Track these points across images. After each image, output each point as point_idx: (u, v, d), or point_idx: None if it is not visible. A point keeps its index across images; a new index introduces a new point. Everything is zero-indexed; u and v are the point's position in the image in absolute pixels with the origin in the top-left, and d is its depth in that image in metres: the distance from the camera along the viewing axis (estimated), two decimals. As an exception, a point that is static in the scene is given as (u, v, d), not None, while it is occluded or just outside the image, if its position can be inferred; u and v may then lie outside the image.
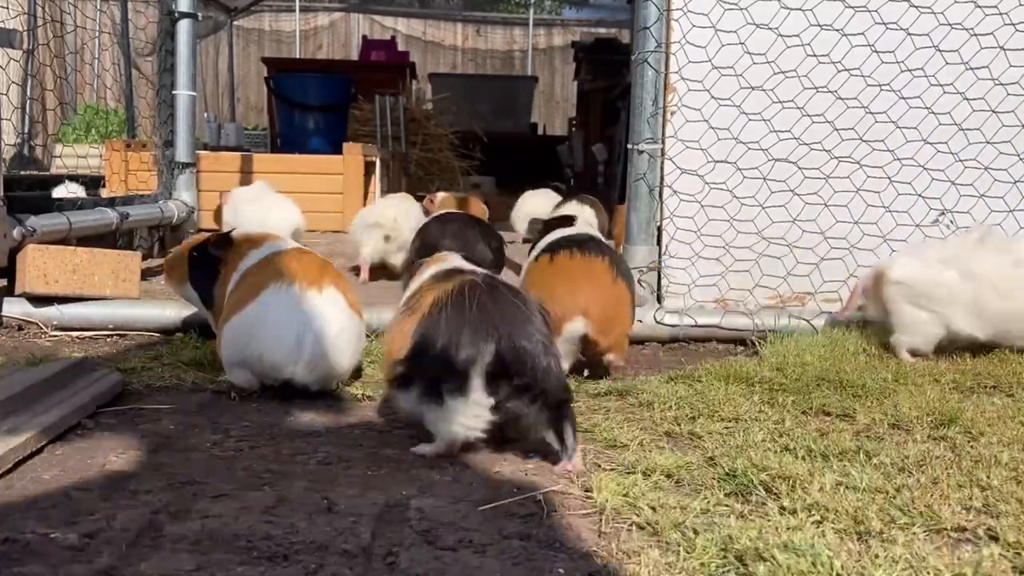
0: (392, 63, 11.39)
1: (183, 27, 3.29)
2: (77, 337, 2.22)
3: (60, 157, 14.19)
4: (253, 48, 18.91)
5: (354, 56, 12.64)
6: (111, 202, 2.99)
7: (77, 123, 15.62)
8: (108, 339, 2.22)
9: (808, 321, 2.27)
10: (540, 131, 12.85)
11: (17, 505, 1.23)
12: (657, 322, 2.26)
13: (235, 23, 17.93)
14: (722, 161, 2.24)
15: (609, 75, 10.01)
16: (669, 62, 2.20)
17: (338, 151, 6.34)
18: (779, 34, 2.23)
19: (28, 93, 14.64)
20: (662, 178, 2.24)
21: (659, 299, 2.29)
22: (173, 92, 3.32)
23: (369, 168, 5.37)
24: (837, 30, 2.23)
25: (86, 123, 15.47)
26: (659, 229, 2.27)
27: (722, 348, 2.30)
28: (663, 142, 2.22)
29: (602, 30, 16.91)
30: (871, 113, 2.26)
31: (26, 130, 14.75)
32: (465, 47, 18.97)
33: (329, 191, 4.96)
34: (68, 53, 16.58)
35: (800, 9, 2.22)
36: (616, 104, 6.96)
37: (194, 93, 3.36)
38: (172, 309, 2.25)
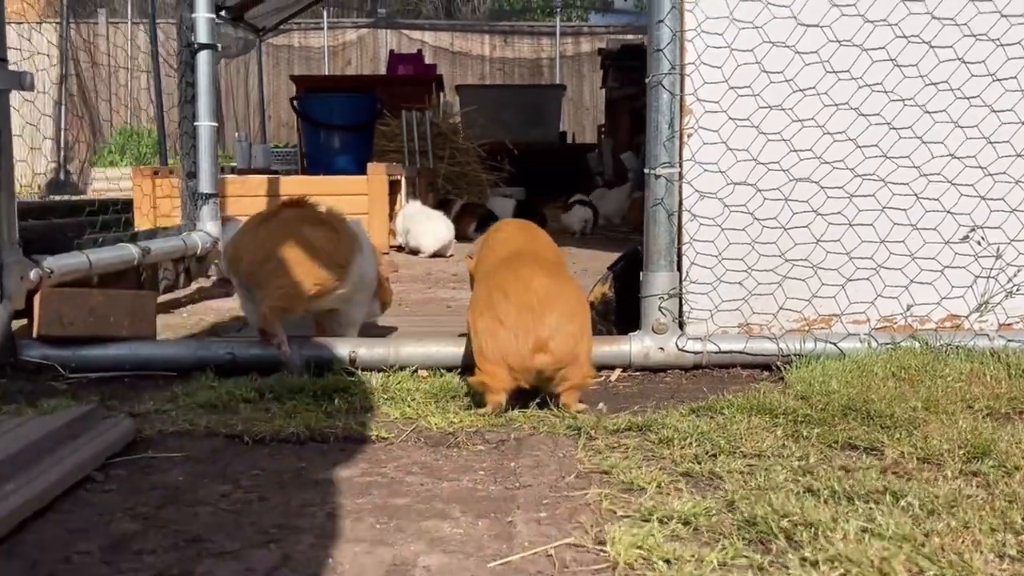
0: (419, 77, 11.40)
1: (203, 59, 3.30)
2: (94, 379, 2.22)
3: (96, 181, 14.44)
4: (283, 65, 19.12)
5: (382, 70, 12.67)
6: (134, 237, 2.99)
7: (112, 146, 15.86)
8: (125, 380, 2.22)
9: (835, 344, 2.21)
10: (570, 139, 12.79)
11: (17, 569, 1.21)
12: (680, 349, 2.21)
13: (266, 41, 18.08)
14: (742, 183, 2.19)
15: (636, 82, 9.96)
16: (684, 84, 2.15)
17: (364, 169, 6.38)
18: (796, 51, 2.17)
19: (62, 119, 14.92)
20: (680, 202, 2.19)
21: (681, 326, 2.24)
22: (195, 124, 3.33)
23: (394, 187, 5.37)
24: (856, 45, 2.17)
25: (120, 146, 15.70)
26: (679, 254, 2.22)
27: (746, 374, 2.24)
28: (680, 166, 2.17)
29: (630, 36, 16.85)
30: (895, 129, 2.19)
31: (61, 156, 15.01)
32: (493, 57, 19.01)
33: (354, 212, 4.96)
34: (102, 77, 16.86)
35: (818, 25, 2.16)
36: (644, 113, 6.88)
37: (215, 124, 3.36)
38: (188, 348, 2.24)
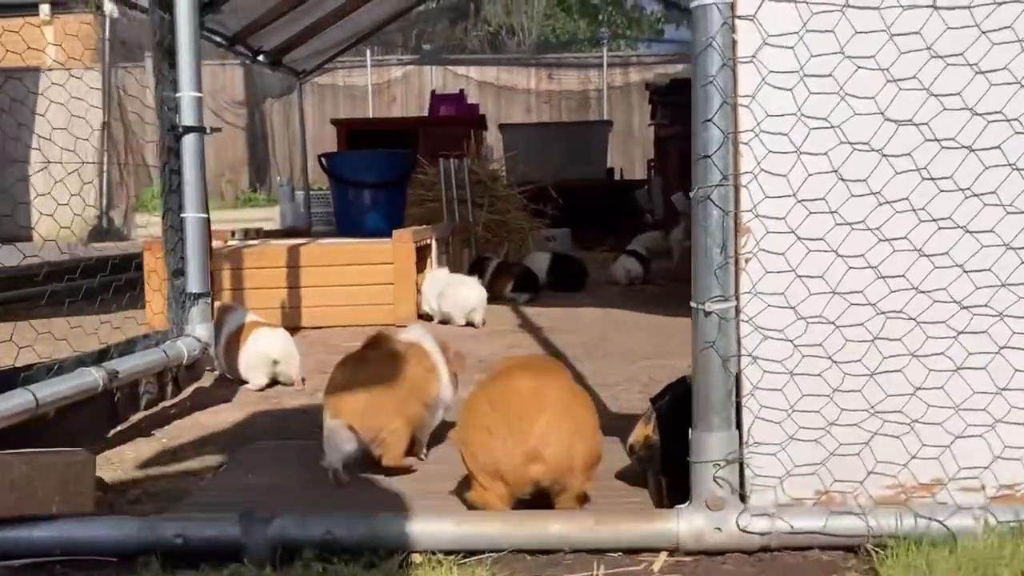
0: (461, 118, 11.07)
1: (189, 143, 2.93)
2: (19, 567, 1.82)
3: (139, 227, 14.32)
4: (328, 105, 18.99)
5: (427, 106, 12.34)
6: (103, 354, 2.61)
7: (156, 191, 15.78)
8: (56, 568, 1.82)
9: (941, 522, 1.72)
10: (619, 173, 12.33)
11: None
12: (741, 529, 1.74)
13: (312, 81, 17.93)
14: (816, 319, 1.72)
15: (685, 120, 9.46)
16: (739, 197, 1.70)
17: (397, 225, 6.00)
18: (883, 155, 1.71)
19: (104, 166, 14.88)
20: (739, 344, 1.73)
21: (742, 498, 1.77)
22: (181, 215, 2.96)
23: (423, 252, 4.98)
24: (965, 147, 1.69)
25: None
26: (738, 407, 1.76)
27: (827, 559, 1.76)
28: (737, 299, 1.71)
29: (680, 66, 16.39)
30: (1012, 249, 1.72)
31: (104, 202, 14.96)
32: (539, 90, 18.66)
33: (379, 282, 4.57)
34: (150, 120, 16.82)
35: (911, 122, 1.70)
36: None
37: (204, 215, 2.98)
38: (131, 528, 1.83)
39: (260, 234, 5.85)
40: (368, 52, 18.20)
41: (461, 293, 4.59)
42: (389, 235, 5.45)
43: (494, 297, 5.28)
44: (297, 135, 14.29)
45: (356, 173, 5.77)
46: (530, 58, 18.95)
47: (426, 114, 11.83)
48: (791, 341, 1.73)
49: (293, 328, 4.56)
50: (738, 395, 1.75)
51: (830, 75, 1.69)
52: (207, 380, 3.41)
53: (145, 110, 17.80)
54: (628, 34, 22.27)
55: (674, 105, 10.32)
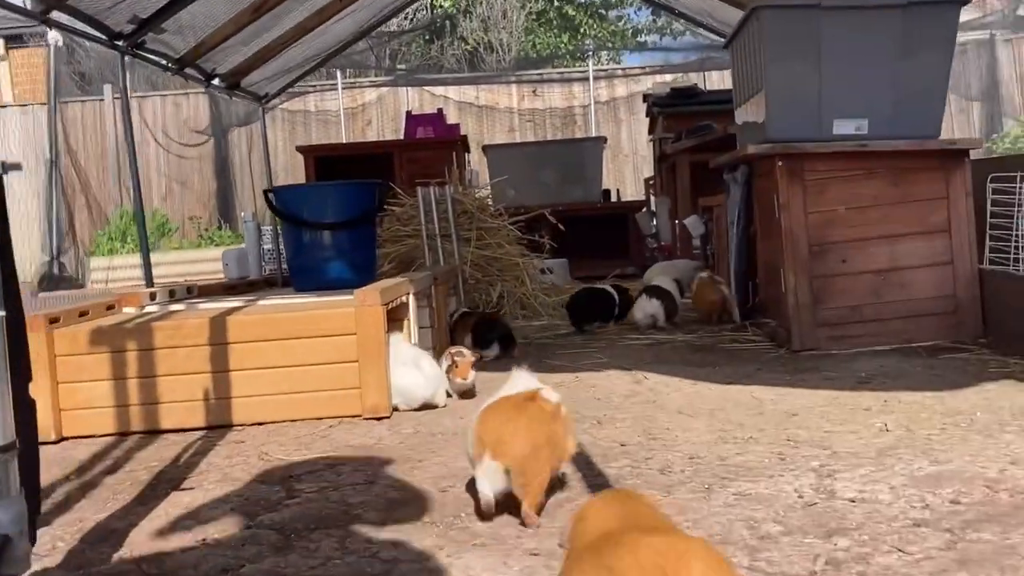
0: (441, 139, 9.98)
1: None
2: None
3: (95, 271, 13.09)
4: (300, 131, 17.98)
5: (402, 131, 11.24)
6: None
7: (111, 232, 14.56)
8: None
9: None
10: (613, 196, 11.24)
11: None
12: None
13: (282, 107, 16.88)
14: None
15: (696, 131, 8.39)
16: None
17: (367, 273, 4.83)
18: None
19: (53, 206, 13.68)
20: None
21: None
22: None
23: (398, 312, 3.81)
24: None
25: (122, 231, 14.39)
26: None
27: None
28: None
29: (668, 76, 15.35)
30: None
31: (54, 246, 13.74)
32: (522, 108, 17.63)
33: (338, 360, 3.40)
34: (102, 155, 15.66)
35: None
36: (722, 174, 5.31)
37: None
38: None
39: (194, 292, 4.65)
40: (339, 74, 17.16)
41: (399, 382, 3.43)
42: (356, 286, 4.30)
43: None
44: (260, 165, 13.10)
45: (311, 210, 4.61)
46: (511, 75, 17.91)
47: (402, 137, 10.74)
48: None
49: (223, 426, 3.38)
50: None
51: None
52: None
53: (99, 146, 16.69)
54: (611, 45, 21.27)
55: (679, 116, 9.25)
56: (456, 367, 3.56)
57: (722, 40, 11.39)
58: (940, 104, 4.17)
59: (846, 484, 2.22)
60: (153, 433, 3.38)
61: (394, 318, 3.77)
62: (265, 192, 4.82)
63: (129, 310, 4.00)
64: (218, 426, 3.37)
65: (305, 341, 3.38)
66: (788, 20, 4.13)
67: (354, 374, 3.37)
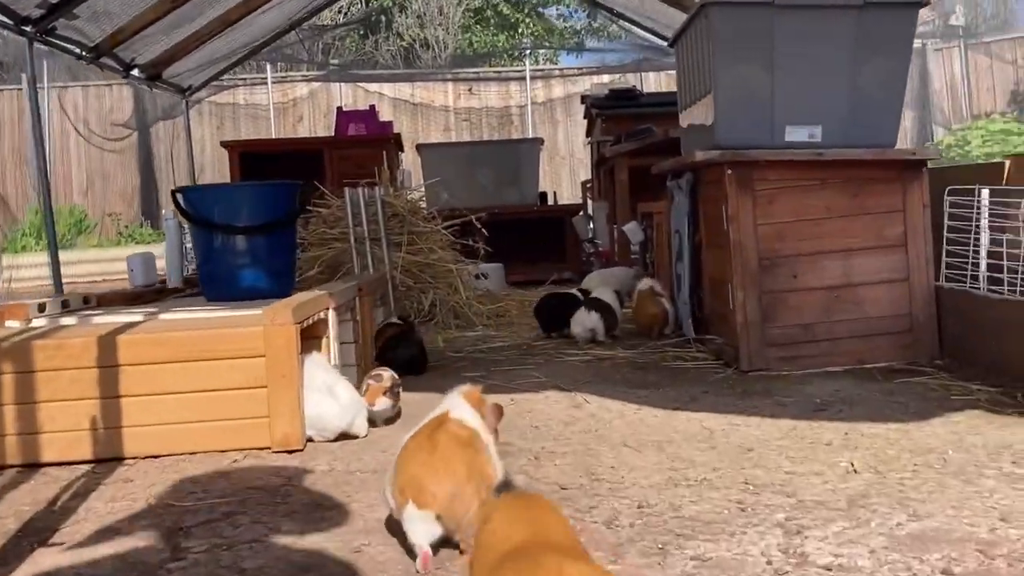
0: (374, 137, 9.61)
1: None
2: None
3: (6, 270, 12.37)
4: (228, 126, 17.47)
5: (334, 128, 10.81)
6: None
7: (26, 228, 13.83)
8: None
9: None
10: (551, 199, 10.97)
11: None
12: None
13: (209, 100, 16.31)
14: None
15: (636, 134, 8.14)
16: None
17: (285, 282, 4.46)
18: None
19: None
20: None
21: None
22: None
23: (315, 330, 3.45)
24: None
25: (36, 228, 13.66)
26: None
27: None
28: None
29: (607, 77, 15.17)
30: None
31: (-42, 244, 12.99)
32: (458, 107, 17.32)
33: (243, 386, 3.03)
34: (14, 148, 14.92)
35: None
36: (664, 180, 5.05)
37: None
38: None
39: (91, 302, 4.23)
40: (268, 68, 16.64)
41: (312, 411, 3.08)
42: (275, 296, 3.95)
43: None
44: (184, 160, 12.58)
45: (223, 213, 4.21)
46: (447, 72, 17.55)
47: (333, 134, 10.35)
48: None
49: (112, 459, 2.98)
50: None
51: None
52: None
53: (18, 137, 15.91)
54: (549, 43, 21.04)
55: (618, 119, 9.01)
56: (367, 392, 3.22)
57: (660, 42, 11.24)
58: (897, 112, 3.96)
59: (818, 545, 1.93)
60: (32, 467, 2.97)
61: (311, 336, 3.41)
62: (173, 192, 4.41)
63: (12, 324, 3.57)
64: (107, 459, 2.97)
65: (206, 364, 2.99)
66: (739, 18, 3.86)
67: (262, 402, 3.00)
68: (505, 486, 2.00)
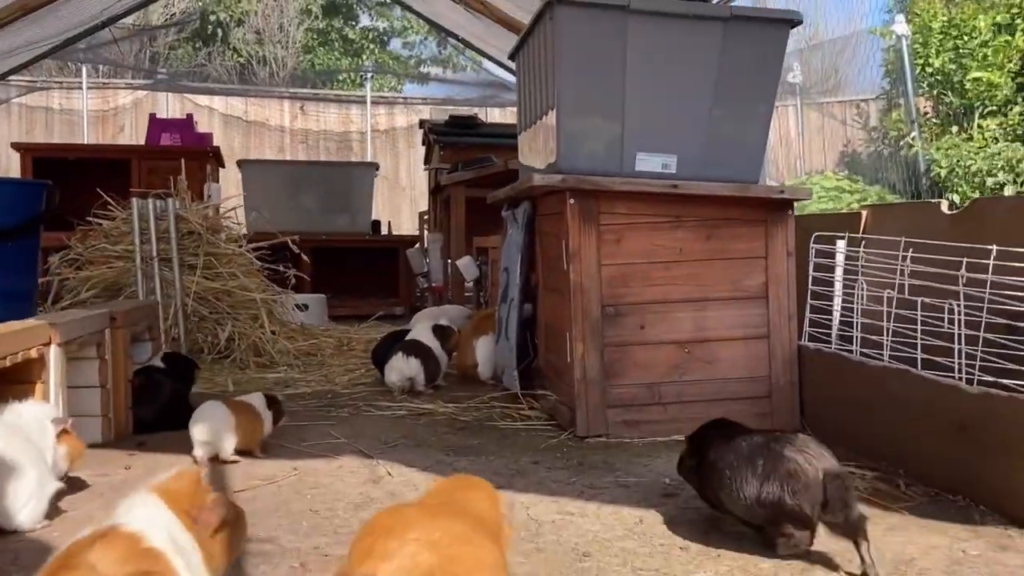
0: (188, 148, 8.66)
1: None
2: None
3: None
4: (40, 129, 15.88)
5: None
6: None
7: None
8: None
9: None
10: (385, 229, 10.26)
11: None
12: None
13: (18, 100, 14.89)
14: None
15: (475, 163, 7.55)
16: None
17: (23, 301, 3.55)
18: None
19: None
20: None
21: None
22: None
23: (30, 370, 2.60)
24: None
25: None
26: None
27: None
28: None
29: (450, 108, 14.63)
30: None
31: None
32: (295, 128, 16.34)
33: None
34: None
35: None
36: (500, 211, 4.43)
37: None
38: None
39: None
40: (84, 71, 15.23)
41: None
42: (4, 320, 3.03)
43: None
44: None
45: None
46: (284, 90, 16.60)
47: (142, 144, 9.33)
48: None
49: None
50: None
51: None
52: None
53: None
54: (393, 67, 20.39)
55: (457, 147, 8.41)
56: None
57: (508, 77, 10.78)
58: (762, 145, 3.47)
59: None
60: None
61: (19, 380, 2.56)
62: None
63: None
64: None
65: None
66: (589, 22, 3.29)
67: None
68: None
